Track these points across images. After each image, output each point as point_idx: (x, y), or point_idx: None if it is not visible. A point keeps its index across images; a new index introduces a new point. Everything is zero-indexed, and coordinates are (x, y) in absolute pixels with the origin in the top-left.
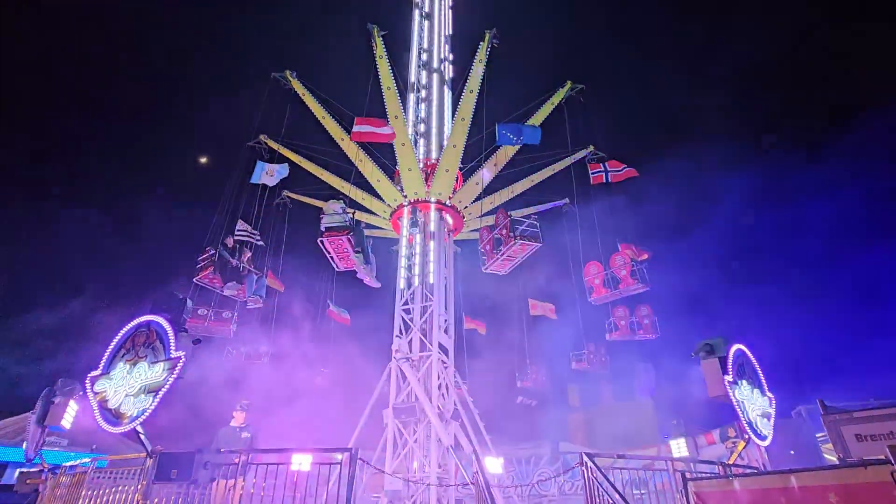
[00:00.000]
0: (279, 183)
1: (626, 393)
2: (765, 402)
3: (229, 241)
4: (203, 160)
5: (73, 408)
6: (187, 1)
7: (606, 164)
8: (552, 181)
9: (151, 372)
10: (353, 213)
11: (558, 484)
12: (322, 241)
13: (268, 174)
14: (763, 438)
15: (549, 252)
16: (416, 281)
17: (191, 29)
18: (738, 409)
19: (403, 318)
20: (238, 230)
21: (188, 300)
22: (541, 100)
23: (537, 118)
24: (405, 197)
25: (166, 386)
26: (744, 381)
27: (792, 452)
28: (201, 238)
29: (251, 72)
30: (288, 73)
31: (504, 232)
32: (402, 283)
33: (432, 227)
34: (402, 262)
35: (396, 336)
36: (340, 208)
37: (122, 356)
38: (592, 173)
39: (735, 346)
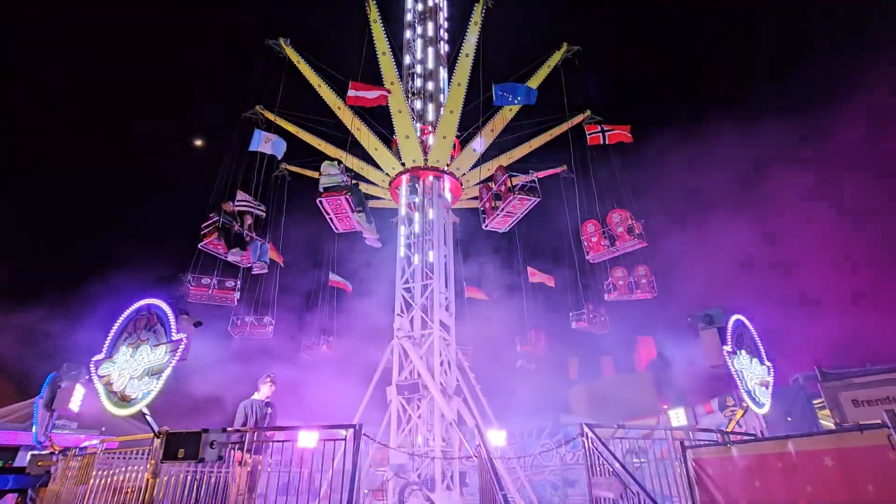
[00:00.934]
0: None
1: (626, 366)
2: (763, 371)
3: (228, 206)
4: (198, 143)
5: (79, 391)
6: None
7: (603, 126)
8: (550, 149)
9: (154, 355)
10: (353, 177)
11: (560, 455)
12: (321, 202)
13: (266, 142)
14: (761, 406)
15: (547, 219)
16: (416, 259)
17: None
18: (737, 379)
19: (404, 297)
20: (238, 201)
21: (189, 278)
22: (537, 63)
23: (533, 82)
24: (403, 165)
25: (169, 368)
26: (742, 351)
27: (789, 419)
28: (197, 219)
29: (243, 41)
30: (282, 40)
31: (503, 188)
32: (402, 258)
33: (431, 194)
34: (402, 231)
35: (398, 315)
36: (338, 169)
37: (125, 340)
38: (589, 134)
39: (734, 317)
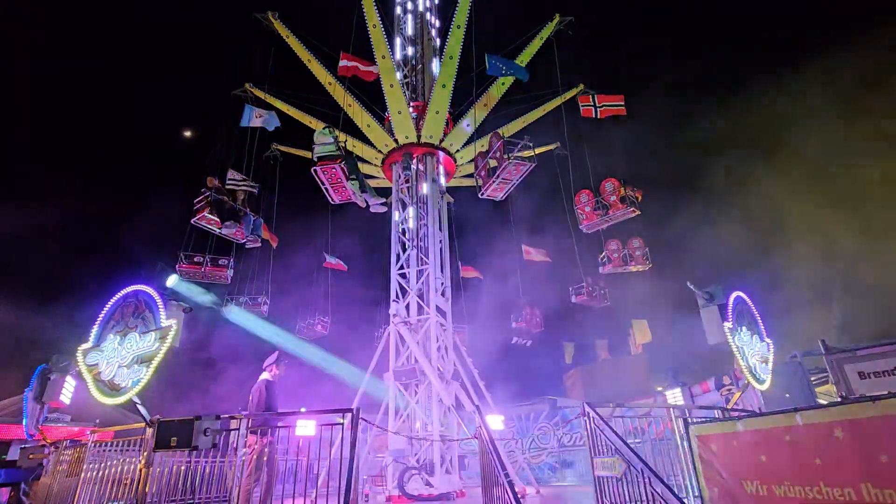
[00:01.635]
0: (268, 133)
1: (620, 348)
2: (763, 348)
3: (213, 182)
4: (188, 134)
5: (70, 384)
6: None
7: (596, 98)
8: (544, 125)
9: (143, 342)
10: (345, 141)
11: (557, 437)
12: (316, 171)
13: (257, 117)
14: (762, 382)
15: (541, 195)
16: (410, 245)
17: None
18: (738, 355)
19: (399, 283)
20: (230, 179)
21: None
22: (529, 35)
23: (526, 54)
24: (396, 142)
25: (159, 355)
26: (743, 328)
27: (787, 396)
28: (187, 204)
29: (232, 15)
30: (270, 14)
31: (498, 154)
32: (396, 243)
33: (425, 172)
34: (395, 216)
35: (393, 300)
36: (331, 137)
37: (112, 328)
38: (582, 106)
39: (734, 294)
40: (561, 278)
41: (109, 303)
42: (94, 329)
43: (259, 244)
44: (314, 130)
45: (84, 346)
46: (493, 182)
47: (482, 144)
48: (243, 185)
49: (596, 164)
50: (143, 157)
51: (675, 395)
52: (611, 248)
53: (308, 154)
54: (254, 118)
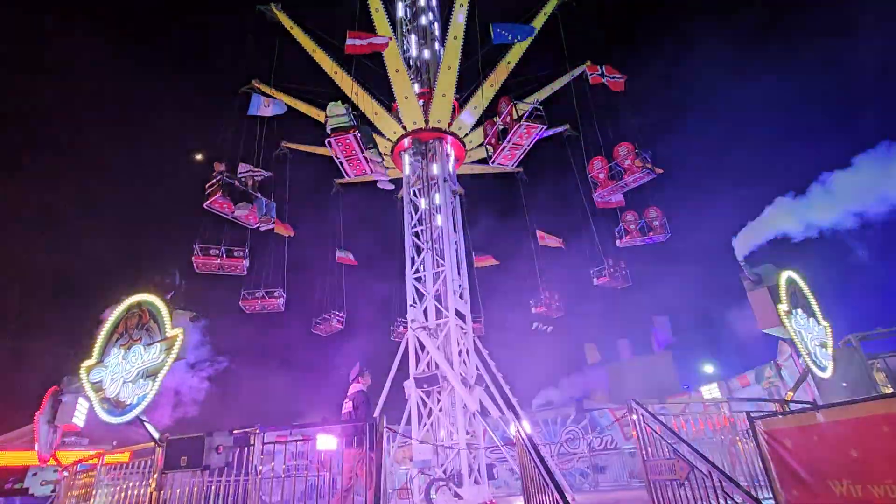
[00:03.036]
0: (276, 132)
1: (643, 347)
2: (821, 332)
3: (219, 167)
4: (198, 157)
5: (83, 405)
6: None
7: (604, 68)
8: (551, 107)
9: (148, 355)
10: (359, 113)
11: (587, 441)
12: (329, 143)
13: (266, 105)
14: (824, 370)
15: (553, 178)
16: (425, 248)
17: None
18: (797, 341)
19: (416, 287)
20: (241, 172)
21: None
22: (534, 11)
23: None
24: (404, 128)
25: (166, 368)
26: (799, 310)
27: (844, 384)
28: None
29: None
30: (272, 5)
31: (508, 119)
32: (410, 246)
33: (436, 157)
34: (408, 219)
35: (410, 305)
36: (344, 108)
37: (116, 341)
38: (591, 75)
39: (784, 273)
40: (578, 257)
41: (112, 316)
42: (97, 343)
43: (272, 226)
44: (321, 124)
45: (88, 362)
46: (504, 148)
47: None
48: (255, 175)
49: (608, 137)
50: (151, 164)
51: (711, 391)
52: (627, 220)
53: (317, 150)
54: (262, 107)
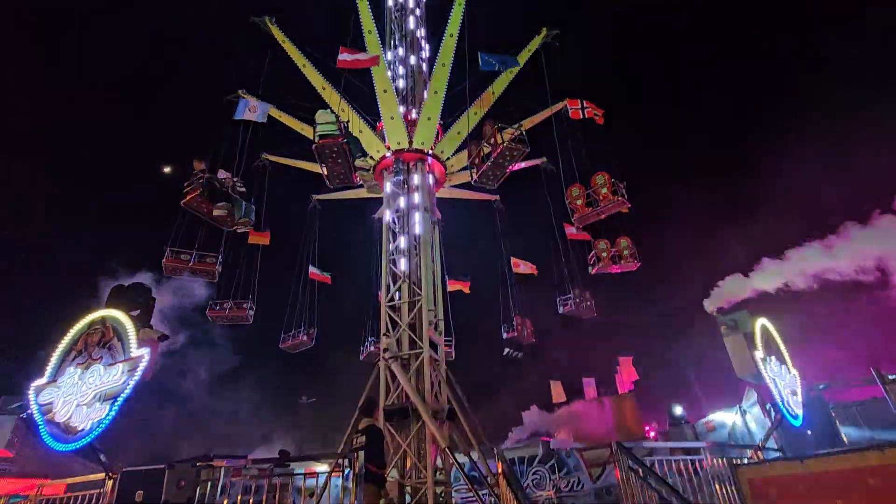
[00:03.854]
0: (256, 143)
1: (608, 387)
2: (792, 379)
3: (199, 164)
4: (167, 169)
5: (20, 429)
6: None
7: (584, 102)
8: (531, 139)
9: (108, 375)
10: (348, 122)
11: (553, 481)
12: (316, 149)
13: (251, 110)
14: (796, 418)
15: (529, 210)
16: (402, 275)
17: None
18: (773, 388)
19: (390, 315)
20: (219, 178)
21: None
22: (519, 48)
23: (514, 67)
24: (388, 148)
25: (126, 390)
26: (772, 357)
27: (809, 433)
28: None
29: (226, 21)
30: (267, 18)
31: (493, 140)
32: (387, 273)
33: (416, 179)
34: (387, 246)
35: (384, 335)
36: (333, 116)
37: (73, 359)
38: (571, 109)
39: (759, 320)
40: (550, 286)
41: (71, 331)
42: (52, 361)
43: (250, 228)
44: (305, 138)
45: (38, 381)
46: (487, 167)
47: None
48: (232, 182)
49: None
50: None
51: (678, 434)
52: (599, 248)
53: (297, 163)
54: (247, 112)
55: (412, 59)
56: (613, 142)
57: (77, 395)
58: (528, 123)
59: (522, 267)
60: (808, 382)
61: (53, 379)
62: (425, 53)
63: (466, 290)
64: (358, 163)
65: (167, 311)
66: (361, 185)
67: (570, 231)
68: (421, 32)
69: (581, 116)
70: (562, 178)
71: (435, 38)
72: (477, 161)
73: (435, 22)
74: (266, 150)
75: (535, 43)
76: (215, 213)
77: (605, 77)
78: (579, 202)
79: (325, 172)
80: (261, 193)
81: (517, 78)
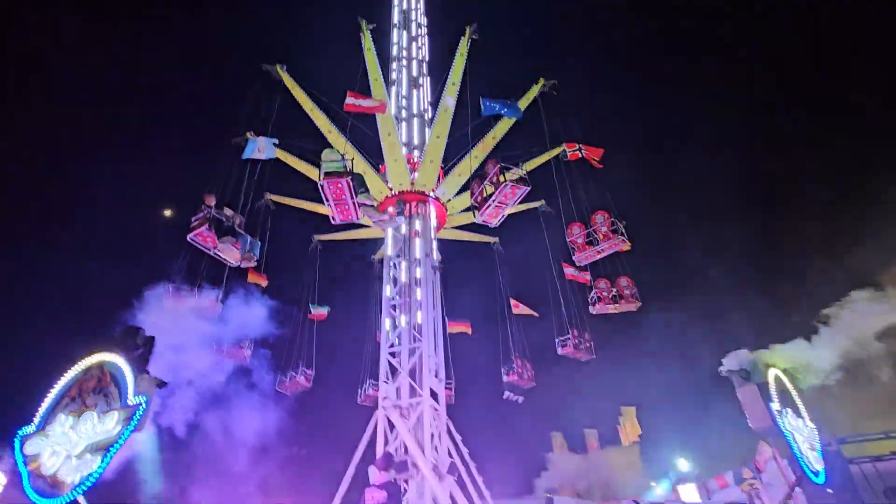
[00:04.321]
0: (262, 183)
1: (610, 438)
2: (811, 433)
3: (210, 200)
4: (168, 213)
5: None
6: None
7: (581, 145)
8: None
9: (102, 424)
10: (353, 159)
11: None
12: (322, 186)
13: (259, 151)
14: (817, 476)
15: (529, 251)
16: (403, 321)
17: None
18: (791, 441)
19: (390, 362)
20: (224, 214)
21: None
22: (517, 97)
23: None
24: (391, 189)
25: (121, 441)
26: (789, 410)
27: (829, 491)
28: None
29: (235, 66)
30: (278, 66)
31: (495, 179)
32: (387, 317)
33: (417, 224)
34: (387, 291)
35: (383, 381)
36: (339, 155)
37: (65, 406)
38: (569, 152)
39: (773, 370)
40: (550, 330)
41: (65, 375)
42: (42, 409)
43: (254, 264)
44: (310, 179)
45: (25, 429)
46: (490, 205)
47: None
48: (238, 220)
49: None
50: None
51: (688, 491)
52: (600, 287)
53: (301, 204)
54: (256, 151)
55: (415, 105)
56: (616, 182)
57: (67, 445)
58: (529, 167)
59: (522, 308)
60: (825, 437)
61: (42, 428)
62: (428, 99)
63: (468, 332)
64: (360, 198)
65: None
66: (364, 226)
67: (569, 272)
68: (425, 80)
69: (580, 156)
70: (562, 218)
71: (438, 83)
72: (479, 199)
73: (439, 68)
74: (270, 191)
75: (534, 92)
76: (220, 246)
77: (608, 119)
78: (580, 240)
79: (330, 208)
80: (263, 233)
81: (517, 123)
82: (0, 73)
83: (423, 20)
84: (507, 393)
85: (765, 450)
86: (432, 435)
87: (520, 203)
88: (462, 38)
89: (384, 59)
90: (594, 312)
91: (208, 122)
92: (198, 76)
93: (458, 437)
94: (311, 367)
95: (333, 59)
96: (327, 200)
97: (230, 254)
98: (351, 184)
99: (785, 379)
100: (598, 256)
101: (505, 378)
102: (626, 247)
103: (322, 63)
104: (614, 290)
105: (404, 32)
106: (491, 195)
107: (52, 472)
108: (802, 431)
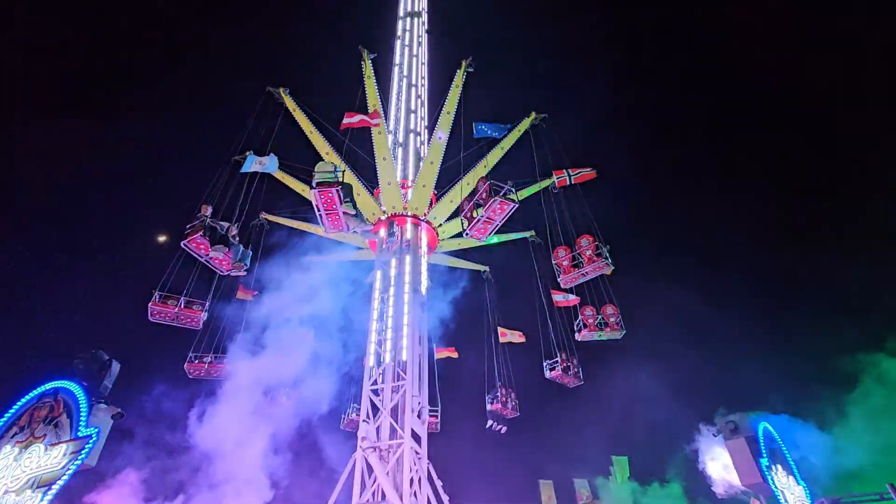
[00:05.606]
0: (257, 202)
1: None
2: (802, 493)
3: (206, 209)
4: (161, 238)
5: None
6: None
7: (569, 170)
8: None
9: (47, 457)
10: (344, 171)
11: None
12: (314, 194)
13: (259, 164)
14: None
15: (517, 280)
16: (388, 357)
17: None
18: (781, 501)
19: (372, 400)
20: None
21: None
22: (508, 128)
23: (505, 143)
24: (384, 212)
25: (64, 477)
26: (779, 466)
27: None
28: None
29: (237, 88)
30: (281, 89)
31: (484, 196)
32: (373, 353)
33: (408, 246)
34: (373, 325)
35: (363, 421)
36: (331, 166)
37: (13, 436)
38: (557, 178)
39: (762, 424)
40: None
41: (18, 403)
42: None
43: (244, 273)
44: (304, 199)
45: None
46: (478, 221)
47: (462, 220)
48: (233, 231)
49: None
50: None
51: None
52: (586, 314)
53: (295, 224)
54: (255, 164)
55: (411, 132)
56: (605, 209)
57: (8, 478)
58: (521, 195)
59: (509, 336)
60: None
61: None
62: (424, 124)
63: (454, 356)
64: (345, 207)
65: None
66: (357, 248)
67: (557, 298)
68: (422, 109)
69: (568, 183)
70: (550, 248)
71: (435, 109)
72: (469, 215)
73: (434, 96)
74: (266, 210)
75: (525, 125)
76: (212, 254)
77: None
78: (565, 263)
79: (320, 218)
80: (256, 251)
81: (509, 153)
82: None
83: (424, 51)
84: (490, 422)
85: None
86: (412, 480)
87: (511, 233)
88: (458, 70)
89: (384, 88)
90: (579, 339)
91: (208, 143)
92: (202, 98)
93: (439, 484)
94: (294, 388)
95: (333, 84)
96: (318, 209)
97: (221, 263)
98: (340, 193)
99: (773, 431)
100: (583, 279)
101: (489, 406)
102: (609, 270)
103: (322, 89)
104: (600, 316)
105: (405, 61)
106: (479, 211)
107: None
108: (793, 491)
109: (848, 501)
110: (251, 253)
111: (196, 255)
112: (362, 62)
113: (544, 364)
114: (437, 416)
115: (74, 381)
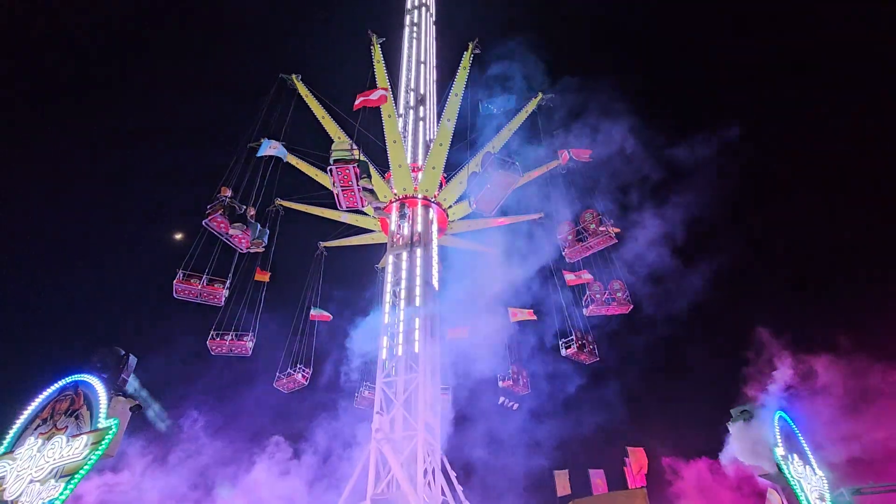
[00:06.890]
0: (273, 189)
1: (617, 480)
2: (819, 482)
3: (226, 191)
4: (178, 236)
5: None
6: None
7: (571, 151)
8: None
9: (69, 448)
10: (360, 148)
11: None
12: (331, 171)
13: (272, 148)
14: None
15: (527, 261)
16: (400, 350)
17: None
18: (797, 490)
19: (385, 392)
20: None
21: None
22: (515, 109)
23: (513, 125)
24: (395, 194)
25: (87, 467)
26: (795, 456)
27: None
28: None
29: (252, 76)
30: (294, 76)
31: (489, 168)
32: (384, 346)
33: (419, 226)
34: (388, 282)
35: (377, 413)
36: (347, 144)
37: (36, 428)
38: (560, 155)
39: (777, 413)
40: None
41: (41, 396)
42: (12, 430)
43: (262, 250)
44: (318, 184)
45: None
46: (484, 193)
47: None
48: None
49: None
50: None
51: None
52: (593, 290)
53: (310, 209)
54: (269, 148)
55: (421, 115)
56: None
57: (33, 468)
58: (525, 178)
59: (519, 315)
60: (836, 485)
61: (11, 450)
62: (434, 109)
63: (464, 335)
64: (362, 182)
65: None
66: (368, 231)
67: (569, 277)
68: (431, 96)
69: (569, 158)
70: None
71: (444, 93)
72: (476, 190)
73: (443, 79)
74: (281, 197)
75: (532, 105)
76: (231, 232)
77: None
78: (570, 237)
79: (336, 195)
80: (272, 237)
81: (515, 135)
82: None
83: (431, 38)
84: (502, 398)
85: (773, 499)
86: (425, 471)
87: (520, 215)
88: (465, 52)
89: (393, 72)
90: (587, 314)
91: (223, 131)
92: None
93: (452, 475)
94: (309, 367)
95: (344, 71)
96: (335, 186)
97: (240, 240)
98: (357, 171)
99: (789, 420)
100: (588, 252)
101: (500, 384)
102: (614, 241)
103: (333, 76)
104: (607, 292)
105: (414, 43)
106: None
107: (14, 496)
108: (810, 480)
109: (869, 491)
110: (268, 231)
111: (216, 233)
112: (371, 47)
113: (560, 342)
114: (448, 394)
115: (94, 373)
